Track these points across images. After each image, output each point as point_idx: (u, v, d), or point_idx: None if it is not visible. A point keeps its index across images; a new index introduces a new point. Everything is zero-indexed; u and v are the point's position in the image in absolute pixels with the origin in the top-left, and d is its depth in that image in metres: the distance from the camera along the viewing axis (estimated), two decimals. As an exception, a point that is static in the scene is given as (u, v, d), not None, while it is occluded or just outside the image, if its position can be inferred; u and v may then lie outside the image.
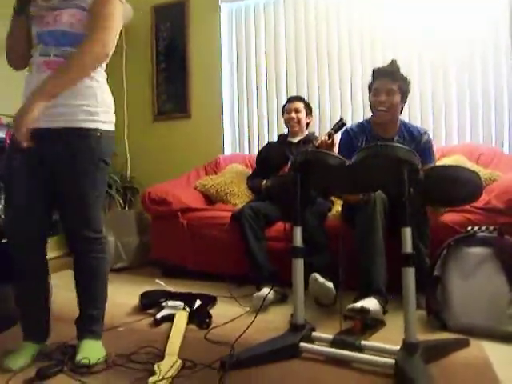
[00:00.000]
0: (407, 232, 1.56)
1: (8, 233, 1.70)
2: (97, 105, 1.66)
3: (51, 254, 3.67)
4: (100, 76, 1.73)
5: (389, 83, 2.32)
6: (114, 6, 1.69)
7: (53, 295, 1.85)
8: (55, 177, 1.64)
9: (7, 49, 1.76)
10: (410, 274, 1.54)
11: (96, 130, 1.64)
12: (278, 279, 2.34)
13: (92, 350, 1.65)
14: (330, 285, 2.19)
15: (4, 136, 2.94)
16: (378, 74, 2.39)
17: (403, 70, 2.39)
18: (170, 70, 4.12)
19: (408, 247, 1.56)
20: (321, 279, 2.18)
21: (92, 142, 1.63)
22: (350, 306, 1.88)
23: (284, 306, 2.32)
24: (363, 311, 1.83)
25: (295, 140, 3.05)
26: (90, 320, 1.72)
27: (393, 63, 2.38)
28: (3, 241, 1.90)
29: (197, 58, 4.02)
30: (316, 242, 2.35)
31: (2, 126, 3.02)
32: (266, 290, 2.26)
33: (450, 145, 3.22)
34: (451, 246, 1.96)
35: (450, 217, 2.36)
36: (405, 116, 3.13)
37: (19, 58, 1.75)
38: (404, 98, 2.39)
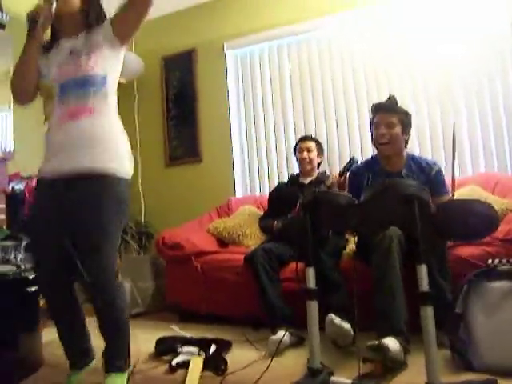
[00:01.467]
0: (422, 269, 1.53)
1: (38, 277, 1.80)
2: (117, 151, 1.71)
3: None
4: (119, 123, 1.82)
5: (388, 116, 2.36)
6: None
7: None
8: (77, 220, 1.65)
9: (18, 79, 1.78)
10: (428, 313, 1.49)
11: (117, 175, 1.68)
12: (293, 321, 2.30)
13: None
14: (347, 326, 2.12)
15: (23, 188, 3.03)
16: (377, 108, 2.43)
17: (410, 103, 2.45)
18: (181, 116, 4.23)
19: (424, 285, 1.52)
20: (337, 320, 2.12)
21: (114, 186, 1.67)
22: (369, 343, 1.81)
23: (301, 349, 2.26)
24: (382, 348, 1.76)
25: (306, 181, 3.06)
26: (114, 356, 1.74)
27: (390, 97, 2.42)
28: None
29: (205, 104, 4.13)
30: (331, 282, 2.31)
31: (22, 179, 3.13)
32: (281, 333, 2.21)
33: (465, 176, 3.16)
34: (472, 281, 1.89)
35: (468, 250, 2.29)
36: (415, 149, 3.15)
37: (30, 90, 1.80)
38: (406, 131, 2.40)
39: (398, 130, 2.35)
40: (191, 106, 4.18)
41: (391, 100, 2.41)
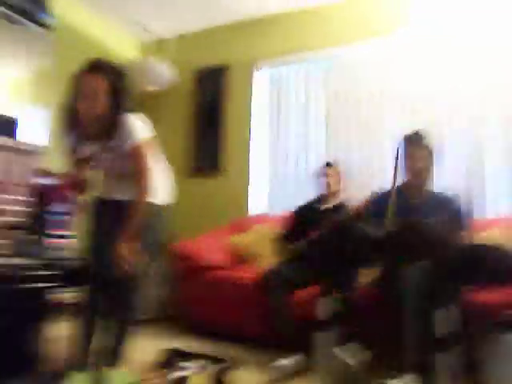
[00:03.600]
0: (441, 314, 1.50)
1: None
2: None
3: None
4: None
5: (416, 149, 2.38)
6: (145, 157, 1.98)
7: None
8: None
9: None
10: (444, 359, 1.49)
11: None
12: (301, 347, 2.26)
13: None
14: (353, 361, 2.04)
15: (49, 184, 3.09)
16: (405, 140, 2.44)
17: (435, 132, 2.46)
18: (207, 129, 4.29)
19: (442, 330, 1.48)
20: (342, 355, 2.04)
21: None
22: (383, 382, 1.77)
23: (306, 378, 2.18)
24: None
25: (326, 206, 3.02)
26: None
27: (418, 131, 2.44)
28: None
29: (232, 119, 4.20)
30: (344, 311, 2.18)
31: (51, 175, 3.19)
32: (287, 359, 2.19)
33: (491, 217, 2.99)
34: (487, 331, 1.83)
35: (485, 297, 2.11)
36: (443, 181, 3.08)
37: None
38: (432, 165, 2.42)
39: (424, 163, 2.38)
40: (218, 121, 4.24)
41: (420, 133, 2.43)
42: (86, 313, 1.96)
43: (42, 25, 3.38)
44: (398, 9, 3.58)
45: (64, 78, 3.60)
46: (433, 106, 3.40)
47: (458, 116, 3.32)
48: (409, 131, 2.49)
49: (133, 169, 1.96)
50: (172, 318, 3.30)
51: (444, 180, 3.19)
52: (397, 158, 2.38)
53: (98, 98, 1.85)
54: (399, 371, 1.81)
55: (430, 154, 2.40)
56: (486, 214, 3.11)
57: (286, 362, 2.17)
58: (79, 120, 1.89)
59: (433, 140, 2.44)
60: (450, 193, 2.50)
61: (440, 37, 3.41)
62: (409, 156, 2.40)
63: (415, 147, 2.39)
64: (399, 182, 2.52)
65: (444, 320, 1.52)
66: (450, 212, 2.29)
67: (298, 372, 2.22)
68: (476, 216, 2.93)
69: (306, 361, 2.25)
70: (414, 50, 3.52)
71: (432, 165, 2.42)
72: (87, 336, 1.94)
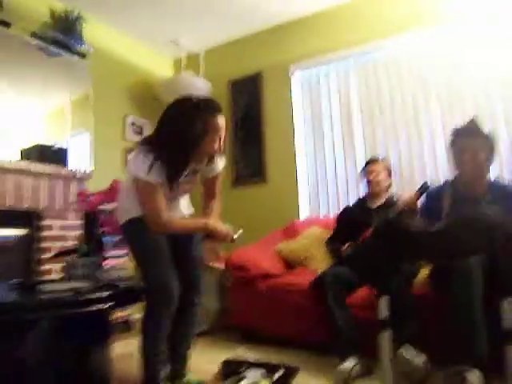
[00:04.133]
0: (508, 304, 1.45)
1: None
2: None
3: (137, 315, 3.83)
4: None
5: (472, 142, 2.24)
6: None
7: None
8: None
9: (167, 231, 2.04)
10: None
11: None
12: (361, 350, 2.24)
13: None
14: (420, 360, 2.02)
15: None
16: (458, 133, 2.30)
17: (488, 127, 2.29)
18: (247, 138, 4.32)
19: (509, 322, 1.44)
20: (408, 356, 2.03)
21: None
22: (448, 373, 1.73)
23: (370, 380, 2.16)
24: (462, 381, 1.67)
25: (375, 205, 2.98)
26: None
27: (473, 121, 2.28)
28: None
29: (271, 126, 4.20)
30: (403, 310, 2.17)
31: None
32: (350, 362, 2.16)
33: None
34: None
35: None
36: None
37: None
38: (490, 156, 2.26)
39: (482, 156, 2.23)
40: (257, 128, 4.27)
41: (473, 123, 2.28)
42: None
43: (78, 53, 3.56)
44: (435, 3, 3.49)
45: (103, 103, 3.78)
46: (483, 97, 3.29)
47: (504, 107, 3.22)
48: (459, 125, 2.35)
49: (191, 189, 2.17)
50: (228, 329, 3.30)
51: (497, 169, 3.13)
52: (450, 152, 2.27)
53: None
54: (463, 365, 1.76)
55: (487, 145, 2.24)
56: None
57: (349, 364, 2.14)
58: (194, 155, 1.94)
59: (487, 130, 2.28)
60: (510, 183, 2.40)
61: (481, 29, 3.31)
62: (463, 150, 2.26)
63: (469, 140, 2.25)
64: (453, 176, 2.43)
65: (509, 310, 1.45)
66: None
67: (361, 374, 2.19)
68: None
69: (368, 363, 2.22)
70: (453, 44, 3.42)
71: (491, 156, 2.27)
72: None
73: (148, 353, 1.95)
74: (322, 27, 4.01)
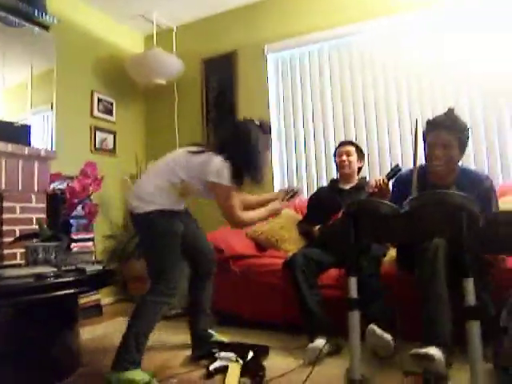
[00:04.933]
0: (469, 283, 1.48)
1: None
2: None
3: (106, 299, 3.79)
4: None
5: (445, 136, 2.16)
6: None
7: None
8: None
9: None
10: (474, 328, 1.45)
11: None
12: (331, 329, 2.26)
13: None
14: (388, 337, 2.07)
15: (64, 188, 3.10)
16: (433, 125, 2.22)
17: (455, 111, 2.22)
18: (220, 117, 4.24)
19: (471, 299, 1.47)
20: (378, 331, 2.08)
21: None
22: (414, 350, 1.76)
23: (339, 358, 2.20)
24: (427, 358, 1.70)
25: (346, 186, 3.00)
26: None
27: (449, 113, 2.20)
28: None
29: (245, 106, 4.13)
30: (371, 290, 2.24)
31: (64, 179, 3.20)
32: (319, 341, 2.19)
33: (508, 183, 3.03)
34: None
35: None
36: (470, 161, 3.04)
37: None
38: (462, 150, 2.23)
39: (454, 151, 2.18)
40: (231, 109, 4.19)
41: (450, 115, 2.19)
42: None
43: (41, 25, 3.31)
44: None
45: (68, 78, 3.59)
46: (453, 84, 3.32)
47: (480, 90, 3.25)
48: (431, 114, 2.32)
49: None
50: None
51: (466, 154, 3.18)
52: (416, 139, 2.16)
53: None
54: (427, 344, 1.79)
55: (460, 139, 2.19)
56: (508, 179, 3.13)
57: (319, 343, 2.17)
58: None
59: (460, 122, 2.21)
60: (480, 172, 2.39)
61: (458, 16, 3.32)
62: (436, 143, 2.20)
63: (442, 133, 2.17)
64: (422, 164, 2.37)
65: (473, 289, 1.48)
66: (481, 191, 2.15)
67: (331, 353, 2.23)
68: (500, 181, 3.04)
69: (336, 342, 2.26)
70: (430, 27, 3.42)
71: (463, 151, 2.24)
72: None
73: (139, 334, 2.00)
74: (299, 8, 3.95)
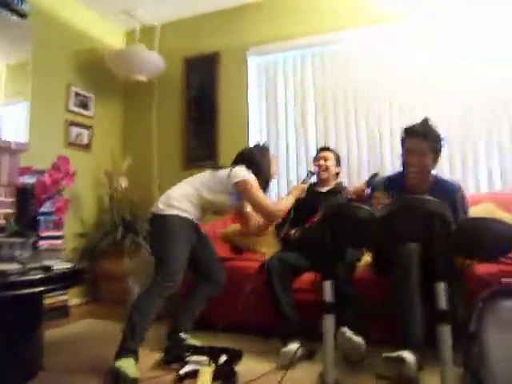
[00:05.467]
0: (441, 287, 1.52)
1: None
2: None
3: (74, 300, 3.68)
4: None
5: (420, 143, 2.24)
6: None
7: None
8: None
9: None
10: (445, 332, 1.49)
11: None
12: (305, 333, 2.25)
13: None
14: (360, 340, 2.06)
15: (33, 182, 2.99)
16: (410, 133, 2.30)
17: (432, 121, 2.30)
18: (200, 118, 4.21)
19: (442, 303, 1.52)
20: (349, 333, 2.07)
21: None
22: (386, 354, 1.78)
23: (313, 362, 2.18)
24: (399, 361, 1.73)
25: (324, 190, 3.03)
26: None
27: (425, 122, 2.29)
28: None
29: (225, 107, 4.12)
30: (344, 294, 2.20)
31: (34, 173, 3.08)
32: (293, 345, 2.17)
33: (480, 193, 3.16)
34: (486, 299, 1.82)
35: (483, 268, 2.22)
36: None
37: None
38: (436, 158, 2.30)
39: (429, 159, 2.25)
40: (211, 109, 4.15)
41: (425, 125, 2.28)
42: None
43: (17, 12, 3.15)
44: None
45: (44, 70, 3.46)
46: (431, 95, 3.37)
47: (453, 101, 3.33)
48: (409, 123, 2.36)
49: None
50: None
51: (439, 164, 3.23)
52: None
53: None
54: (400, 347, 1.82)
55: (434, 147, 2.26)
56: (479, 190, 3.24)
57: (293, 347, 2.15)
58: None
59: (434, 132, 2.28)
60: (453, 182, 2.46)
61: (433, 29, 3.39)
62: (411, 151, 2.27)
63: (418, 141, 2.24)
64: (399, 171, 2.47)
65: (444, 293, 1.54)
66: (453, 200, 2.21)
67: (304, 357, 2.22)
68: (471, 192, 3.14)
69: (310, 346, 2.25)
70: (412, 39, 3.48)
71: (437, 159, 2.30)
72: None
73: (135, 324, 2.10)
74: (282, 14, 3.96)
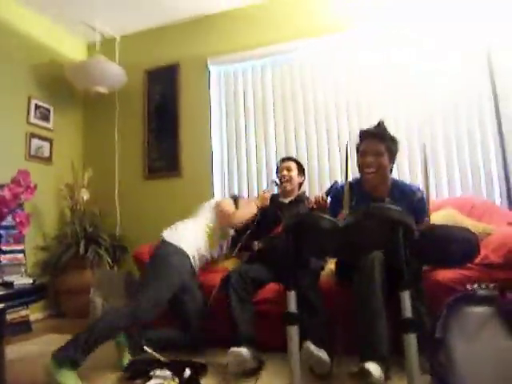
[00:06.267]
0: (406, 296, 1.52)
1: None
2: None
3: (36, 315, 3.58)
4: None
5: (376, 144, 2.27)
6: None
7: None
8: None
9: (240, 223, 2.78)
10: (411, 341, 1.49)
11: None
12: (255, 343, 2.22)
13: None
14: (325, 355, 2.04)
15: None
16: (364, 135, 2.34)
17: (390, 127, 2.36)
18: (161, 129, 4.20)
19: (408, 312, 1.51)
20: (313, 348, 2.04)
21: None
22: (351, 370, 1.78)
23: (277, 374, 2.14)
24: (364, 374, 1.72)
25: (286, 200, 3.01)
26: None
27: (380, 124, 2.33)
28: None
29: (187, 118, 4.13)
30: (309, 304, 2.23)
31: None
32: (242, 348, 2.13)
33: (441, 198, 3.22)
34: (451, 305, 1.85)
35: (446, 274, 2.24)
36: (394, 172, 3.17)
37: None
38: (393, 159, 2.33)
39: (385, 159, 2.27)
40: (172, 120, 4.15)
41: (380, 127, 2.32)
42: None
43: None
44: (350, 7, 3.65)
45: (3, 82, 3.38)
46: (388, 101, 3.49)
47: (412, 107, 3.44)
48: (364, 126, 2.40)
49: None
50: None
51: (401, 170, 3.39)
52: (347, 153, 2.25)
53: None
54: (366, 359, 1.80)
55: (390, 148, 2.29)
56: (440, 196, 3.32)
57: (240, 349, 2.13)
58: None
59: (390, 134, 2.33)
60: (412, 184, 2.50)
61: (387, 33, 3.53)
62: (366, 152, 2.30)
63: (373, 142, 2.28)
64: (357, 177, 2.48)
65: (409, 302, 1.53)
66: (413, 203, 2.26)
67: (253, 366, 2.18)
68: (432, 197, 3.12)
69: (259, 356, 2.23)
70: (370, 46, 3.59)
71: (393, 160, 2.33)
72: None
73: (90, 337, 2.05)
74: (242, 24, 4.01)
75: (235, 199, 2.91)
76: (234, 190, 3.91)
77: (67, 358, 1.97)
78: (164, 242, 2.53)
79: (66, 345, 2.02)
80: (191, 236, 2.57)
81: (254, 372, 2.17)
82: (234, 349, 2.13)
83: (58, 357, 1.97)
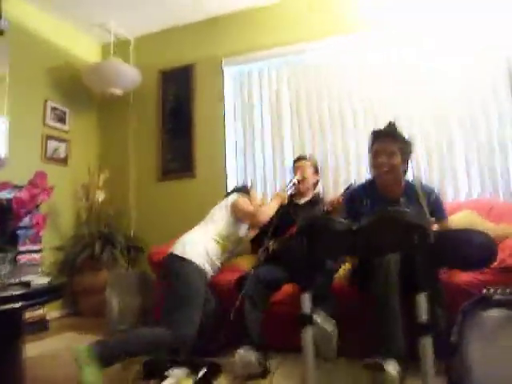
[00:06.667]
0: (422, 299, 1.51)
1: None
2: None
3: (53, 313, 3.63)
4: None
5: (389, 144, 2.26)
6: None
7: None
8: None
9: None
10: (427, 344, 1.49)
11: None
12: (263, 348, 2.22)
13: None
14: (330, 327, 2.06)
15: (11, 198, 2.95)
16: (376, 135, 2.33)
17: (406, 130, 2.36)
18: (176, 130, 4.21)
19: (423, 315, 1.50)
20: (320, 319, 2.06)
21: None
22: (368, 361, 1.78)
23: (290, 377, 2.14)
24: (378, 367, 1.73)
25: (301, 201, 2.99)
26: None
27: (391, 124, 2.31)
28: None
29: (201, 119, 4.14)
30: (325, 306, 2.22)
31: (13, 188, 3.05)
32: (249, 352, 2.14)
33: (459, 201, 3.18)
34: (467, 309, 1.83)
35: (463, 278, 2.23)
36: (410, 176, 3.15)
37: None
38: (406, 159, 2.31)
39: (398, 159, 2.25)
40: (187, 121, 4.17)
41: (391, 127, 2.30)
42: None
43: None
44: (365, 7, 3.63)
45: (21, 85, 3.44)
46: (405, 102, 3.45)
47: (430, 110, 3.40)
48: (378, 127, 2.38)
49: None
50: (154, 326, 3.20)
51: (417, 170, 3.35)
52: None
53: None
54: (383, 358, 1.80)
55: (403, 148, 2.28)
56: (458, 197, 3.28)
57: (248, 351, 2.15)
58: None
59: (403, 134, 2.31)
60: (427, 184, 2.48)
61: (402, 35, 3.50)
62: (379, 152, 2.28)
63: (385, 142, 2.27)
64: (369, 178, 2.47)
65: (426, 304, 1.53)
66: (431, 202, 2.25)
67: (257, 372, 2.17)
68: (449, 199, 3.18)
69: (266, 363, 2.22)
70: (388, 47, 3.57)
71: (406, 160, 2.31)
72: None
73: (128, 349, 2.13)
74: (257, 24, 4.01)
75: (247, 192, 2.87)
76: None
77: (99, 355, 1.99)
78: (177, 258, 2.47)
79: (104, 344, 2.06)
80: (201, 248, 2.51)
81: (259, 377, 2.17)
82: (241, 351, 2.15)
83: (93, 351, 1.99)
